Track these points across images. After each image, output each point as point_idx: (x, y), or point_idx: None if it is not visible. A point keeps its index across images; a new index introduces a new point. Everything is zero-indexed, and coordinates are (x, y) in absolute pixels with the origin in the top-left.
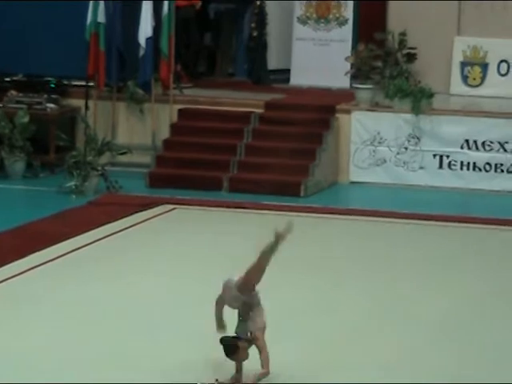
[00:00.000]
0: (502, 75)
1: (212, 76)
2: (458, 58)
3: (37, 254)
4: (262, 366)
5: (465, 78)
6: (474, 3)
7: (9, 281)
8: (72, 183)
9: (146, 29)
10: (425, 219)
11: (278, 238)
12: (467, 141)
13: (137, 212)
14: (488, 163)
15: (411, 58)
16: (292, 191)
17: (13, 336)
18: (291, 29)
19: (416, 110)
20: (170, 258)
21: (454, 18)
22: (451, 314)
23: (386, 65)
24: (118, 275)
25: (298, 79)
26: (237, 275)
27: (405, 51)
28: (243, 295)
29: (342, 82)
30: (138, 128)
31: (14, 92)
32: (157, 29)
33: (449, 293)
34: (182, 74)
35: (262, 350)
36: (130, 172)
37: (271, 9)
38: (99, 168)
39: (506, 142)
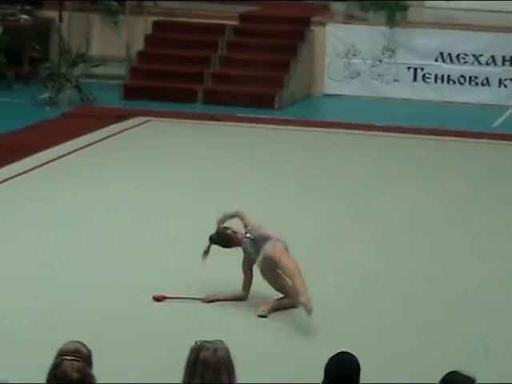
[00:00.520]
0: None
1: None
2: None
3: (14, 164)
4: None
5: None
6: None
7: None
8: (46, 95)
9: None
10: (398, 131)
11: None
12: (442, 53)
13: (112, 124)
14: (462, 76)
15: None
16: (266, 103)
17: None
18: None
19: (391, 23)
20: (149, 169)
21: None
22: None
23: None
24: (97, 185)
25: None
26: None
27: None
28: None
29: None
30: (112, 40)
31: None
32: None
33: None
34: None
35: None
36: (104, 84)
37: None
38: (73, 80)
39: (481, 55)
